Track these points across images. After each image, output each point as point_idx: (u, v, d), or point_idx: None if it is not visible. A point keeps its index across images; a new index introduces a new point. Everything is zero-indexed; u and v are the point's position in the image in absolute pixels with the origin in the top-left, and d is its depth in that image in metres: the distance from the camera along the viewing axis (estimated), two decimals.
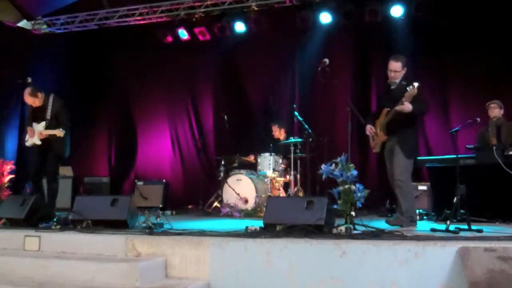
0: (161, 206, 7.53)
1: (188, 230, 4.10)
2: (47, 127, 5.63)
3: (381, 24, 7.88)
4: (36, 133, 5.67)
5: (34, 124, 5.74)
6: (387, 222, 4.66)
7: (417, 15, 7.59)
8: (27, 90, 5.74)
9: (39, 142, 5.67)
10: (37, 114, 5.79)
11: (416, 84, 4.46)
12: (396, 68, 4.81)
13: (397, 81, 4.86)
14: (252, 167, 7.35)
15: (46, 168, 5.75)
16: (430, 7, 7.44)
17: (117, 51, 9.49)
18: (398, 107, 4.61)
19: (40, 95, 5.75)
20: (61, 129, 5.55)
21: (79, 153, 9.19)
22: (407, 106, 4.56)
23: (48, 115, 5.71)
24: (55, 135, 5.55)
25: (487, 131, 6.12)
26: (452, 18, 7.43)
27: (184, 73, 9.28)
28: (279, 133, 7.65)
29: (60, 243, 3.95)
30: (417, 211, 5.79)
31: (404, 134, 4.75)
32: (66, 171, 8.60)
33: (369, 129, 5.00)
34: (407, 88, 4.50)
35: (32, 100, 5.75)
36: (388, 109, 4.80)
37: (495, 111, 6.10)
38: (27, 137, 5.79)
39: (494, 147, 5.30)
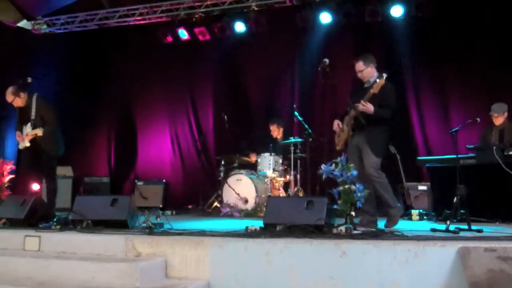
0: (161, 206, 7.52)
1: (188, 230, 4.10)
2: (33, 128, 5.65)
3: (381, 24, 7.88)
4: (25, 137, 5.69)
5: (23, 127, 5.75)
6: (386, 226, 4.55)
7: (417, 15, 7.58)
8: (10, 89, 5.70)
9: (28, 144, 5.68)
10: (23, 116, 5.78)
11: (384, 75, 4.45)
12: (358, 68, 4.80)
13: (371, 79, 4.79)
14: (252, 167, 7.35)
15: (42, 169, 5.76)
16: (430, 7, 7.44)
17: (117, 51, 9.49)
18: (360, 106, 4.52)
19: (22, 94, 5.71)
20: (40, 128, 5.55)
21: (79, 153, 9.20)
22: (369, 108, 4.50)
23: (33, 115, 5.69)
24: (36, 134, 5.58)
25: (490, 134, 6.08)
26: (451, 18, 7.44)
27: (184, 73, 9.29)
28: (277, 132, 7.65)
29: (60, 243, 3.94)
30: (417, 211, 5.81)
31: (372, 132, 4.65)
32: (66, 171, 8.60)
33: (336, 124, 4.89)
34: (377, 80, 4.50)
35: (12, 98, 5.70)
36: (357, 104, 4.67)
37: (499, 119, 6.01)
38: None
39: (494, 147, 5.30)
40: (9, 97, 5.73)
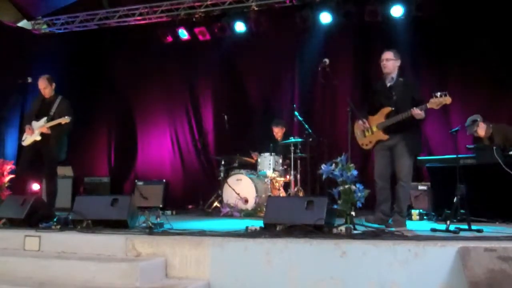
0: (161, 206, 7.53)
1: (188, 230, 4.10)
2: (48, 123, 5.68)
3: (381, 24, 7.88)
4: (36, 130, 5.70)
5: (34, 122, 5.77)
6: (387, 227, 4.56)
7: (417, 15, 7.58)
8: (46, 76, 5.83)
9: (39, 138, 5.69)
10: (42, 110, 5.81)
11: (445, 94, 4.40)
12: (388, 56, 4.79)
13: (394, 76, 4.80)
14: (252, 167, 7.35)
15: (44, 169, 5.76)
16: (430, 7, 7.44)
17: (117, 51, 9.49)
18: (415, 113, 4.51)
19: (54, 85, 5.86)
20: (66, 116, 5.60)
21: (79, 153, 9.19)
22: (422, 115, 4.52)
23: (52, 111, 5.76)
24: (60, 123, 5.62)
25: (481, 140, 6.06)
26: (452, 18, 7.43)
27: (184, 73, 9.29)
28: (281, 133, 7.65)
29: (60, 243, 3.95)
30: (417, 211, 5.82)
31: (409, 133, 4.68)
32: (66, 171, 8.59)
33: (362, 123, 4.87)
34: (437, 94, 4.41)
35: (44, 84, 5.80)
36: (392, 108, 4.70)
37: (480, 132, 5.97)
38: (24, 136, 5.81)
39: (494, 147, 5.30)
40: (43, 83, 5.80)
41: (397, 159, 4.70)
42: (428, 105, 4.47)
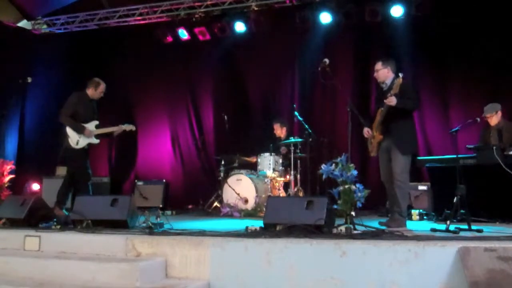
0: (161, 206, 7.52)
1: (188, 230, 4.10)
2: (97, 126, 5.85)
3: (381, 24, 7.88)
4: (93, 134, 5.80)
5: (86, 125, 5.80)
6: (387, 226, 4.52)
7: (417, 15, 7.58)
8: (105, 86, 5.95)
9: (97, 141, 5.87)
10: (88, 113, 5.87)
11: (401, 74, 4.55)
12: (376, 67, 4.95)
13: (388, 81, 4.91)
14: (252, 167, 7.35)
15: (90, 172, 5.90)
16: (430, 7, 7.45)
17: (117, 51, 9.48)
18: (386, 100, 4.63)
19: None
20: (126, 124, 5.95)
21: None
22: (391, 100, 4.58)
23: (97, 114, 5.92)
24: (132, 130, 5.99)
25: (489, 135, 6.09)
26: (452, 18, 7.43)
27: (184, 73, 9.29)
28: (280, 131, 7.66)
29: (60, 243, 3.95)
30: (417, 211, 5.82)
31: (399, 130, 4.76)
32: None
33: (366, 132, 5.01)
34: (395, 80, 4.60)
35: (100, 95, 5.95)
36: (382, 108, 4.81)
37: (493, 119, 6.03)
38: (78, 138, 5.73)
39: (494, 147, 5.30)
40: (102, 94, 5.94)
41: (392, 159, 4.79)
42: (392, 92, 4.59)
